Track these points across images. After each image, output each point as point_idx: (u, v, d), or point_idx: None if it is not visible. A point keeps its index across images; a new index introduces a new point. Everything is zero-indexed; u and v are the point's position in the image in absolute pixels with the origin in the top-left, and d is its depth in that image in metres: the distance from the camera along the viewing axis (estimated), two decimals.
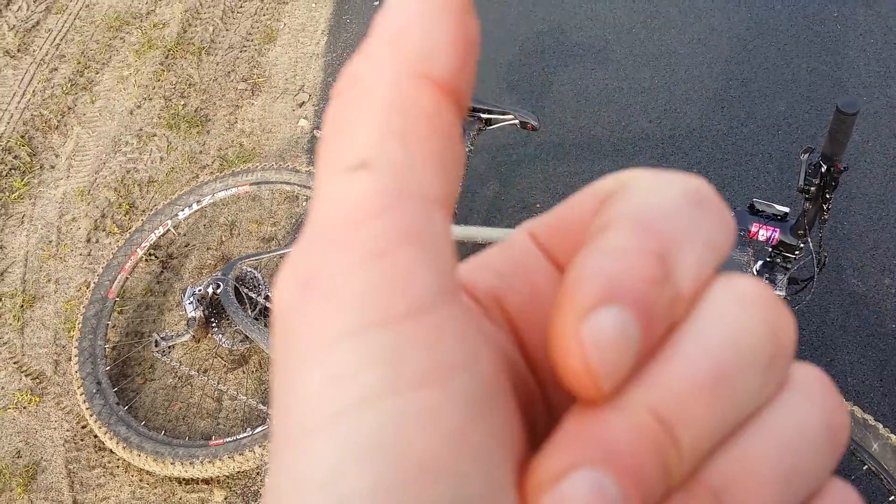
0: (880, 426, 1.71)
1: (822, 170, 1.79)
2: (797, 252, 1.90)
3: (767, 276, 1.90)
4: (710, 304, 0.18)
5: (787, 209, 1.92)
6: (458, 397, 0.15)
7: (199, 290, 2.37)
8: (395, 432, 0.14)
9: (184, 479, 2.27)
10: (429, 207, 0.16)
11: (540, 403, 0.20)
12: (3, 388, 2.53)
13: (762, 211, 1.93)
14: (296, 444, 0.15)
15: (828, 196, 1.81)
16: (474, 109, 2.34)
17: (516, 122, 2.35)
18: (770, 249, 1.94)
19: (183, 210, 2.55)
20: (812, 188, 1.81)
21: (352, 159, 0.16)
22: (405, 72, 0.17)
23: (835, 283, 2.52)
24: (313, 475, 0.14)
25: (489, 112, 2.35)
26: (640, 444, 0.16)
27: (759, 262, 1.94)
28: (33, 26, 3.83)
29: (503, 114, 2.35)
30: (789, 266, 1.92)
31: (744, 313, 0.17)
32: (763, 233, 1.91)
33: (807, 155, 1.82)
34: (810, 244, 1.87)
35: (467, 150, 2.31)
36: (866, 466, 1.70)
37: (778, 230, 1.90)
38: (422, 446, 0.14)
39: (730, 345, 0.17)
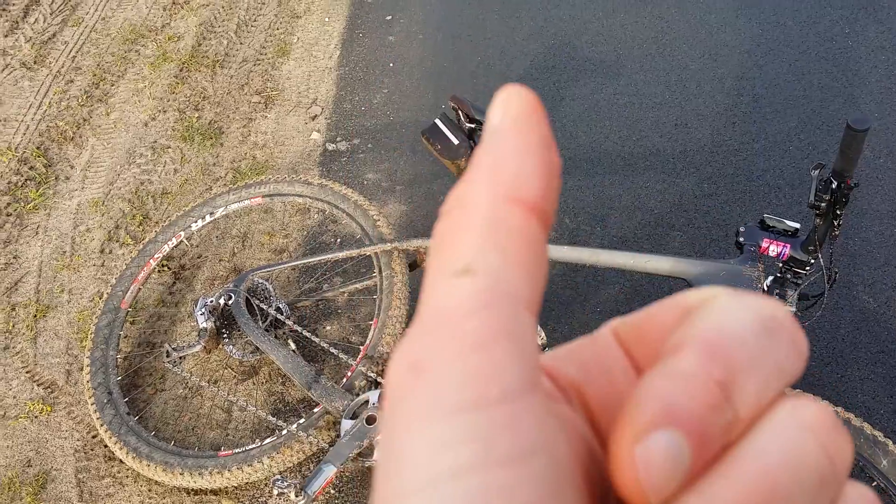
0: (890, 443, 1.70)
1: (833, 186, 1.79)
2: (808, 268, 1.90)
3: (778, 291, 1.90)
4: (770, 425, 0.20)
5: (797, 225, 1.92)
6: (536, 477, 0.17)
7: (211, 302, 2.38)
8: (481, 503, 0.17)
9: (193, 490, 2.28)
10: (519, 307, 0.19)
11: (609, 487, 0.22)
12: (15, 397, 2.55)
13: (773, 227, 1.93)
14: (396, 502, 0.17)
15: (838, 212, 1.81)
16: (482, 123, 2.35)
17: None
18: (781, 265, 1.93)
19: (196, 222, 2.57)
20: (823, 204, 1.80)
21: (457, 265, 0.20)
22: (500, 196, 0.20)
23: (846, 300, 2.51)
24: None
25: None
26: None
27: (770, 278, 1.94)
28: (50, 38, 3.88)
29: None
30: (800, 282, 1.92)
31: (802, 437, 0.19)
32: (774, 248, 1.91)
33: (817, 171, 1.82)
34: (821, 260, 1.86)
35: None
36: (875, 483, 1.69)
37: (789, 246, 1.90)
38: None
39: (785, 466, 0.19)
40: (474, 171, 0.21)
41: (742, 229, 1.95)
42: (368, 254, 2.30)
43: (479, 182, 0.21)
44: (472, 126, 2.37)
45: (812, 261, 1.88)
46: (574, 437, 0.21)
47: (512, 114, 0.21)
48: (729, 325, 0.20)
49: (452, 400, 0.17)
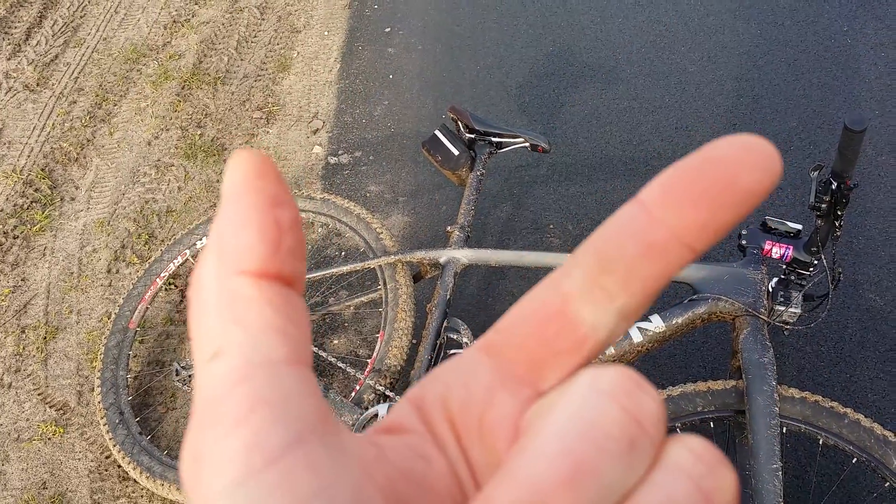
0: None
1: (833, 187, 1.80)
2: (811, 269, 1.90)
3: (782, 293, 1.90)
4: (566, 399, 0.20)
5: (799, 226, 1.93)
6: None
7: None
8: None
9: None
10: (276, 370, 0.20)
11: (475, 494, 0.22)
12: (28, 419, 2.57)
13: (775, 228, 1.94)
14: None
15: (839, 213, 1.82)
16: (485, 133, 2.37)
17: (527, 144, 2.37)
18: (784, 267, 1.94)
19: (201, 239, 2.58)
20: (823, 205, 1.81)
21: (209, 351, 0.20)
22: (227, 271, 0.21)
23: (852, 299, 2.51)
24: None
25: (499, 136, 2.37)
26: None
27: (774, 280, 1.94)
28: (52, 60, 3.91)
29: (513, 137, 2.37)
30: (804, 283, 1.92)
31: (600, 403, 0.19)
32: (776, 250, 1.91)
33: (816, 172, 1.83)
34: (824, 261, 1.87)
35: (479, 173, 2.33)
36: (888, 483, 1.69)
37: (791, 247, 1.90)
38: None
39: (585, 437, 0.18)
40: (205, 250, 0.21)
41: (744, 232, 1.96)
42: (373, 267, 2.31)
43: (208, 262, 0.21)
44: (472, 136, 2.38)
45: (815, 262, 1.89)
46: (368, 469, 0.20)
47: (234, 181, 0.21)
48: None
49: (224, 480, 0.18)
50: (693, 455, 0.19)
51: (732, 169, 0.19)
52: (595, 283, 0.21)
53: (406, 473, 0.21)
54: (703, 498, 0.19)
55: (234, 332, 0.20)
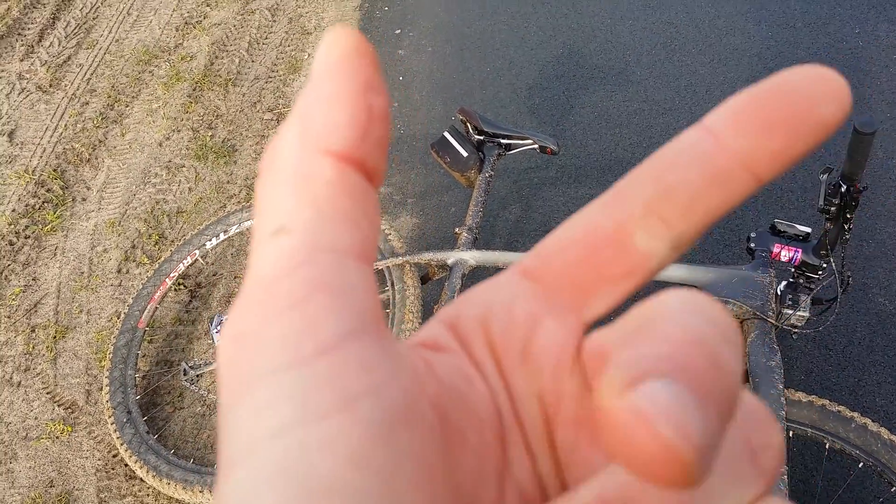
0: None
1: (842, 190, 1.79)
2: (820, 272, 1.89)
3: (791, 296, 1.89)
4: (657, 313, 0.18)
5: (809, 229, 1.92)
6: (361, 423, 0.16)
7: (226, 319, 2.40)
8: (301, 458, 0.16)
9: None
10: (341, 258, 0.19)
11: (515, 424, 0.21)
12: (36, 418, 2.58)
13: (784, 231, 1.93)
14: (223, 473, 0.17)
15: (848, 216, 1.81)
16: (494, 135, 2.37)
17: (535, 146, 2.37)
18: (793, 270, 1.93)
19: (211, 240, 2.59)
20: (832, 208, 1.80)
21: (273, 226, 0.19)
22: (310, 148, 0.19)
23: (861, 302, 2.49)
24: (233, 501, 0.16)
25: (508, 137, 2.37)
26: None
27: (783, 283, 1.93)
28: (65, 61, 3.94)
29: (522, 139, 2.37)
30: (813, 286, 1.91)
31: (697, 320, 0.17)
32: (785, 253, 1.90)
33: (826, 175, 1.82)
34: (833, 264, 1.86)
35: (488, 175, 2.33)
36: (894, 488, 1.68)
37: (800, 251, 1.89)
38: (324, 469, 0.16)
39: (697, 340, 0.16)
40: (287, 123, 0.20)
41: (753, 235, 1.95)
42: (380, 268, 2.31)
43: (290, 135, 0.20)
44: (481, 138, 2.38)
45: (824, 265, 1.87)
46: (416, 380, 0.19)
47: (330, 59, 0.20)
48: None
49: (270, 362, 0.17)
50: (744, 410, 0.19)
51: (809, 98, 0.19)
52: (653, 210, 0.20)
53: (451, 390, 0.20)
54: (749, 454, 0.18)
55: (306, 212, 0.19)
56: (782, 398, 1.70)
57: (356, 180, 0.20)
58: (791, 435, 1.72)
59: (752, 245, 1.92)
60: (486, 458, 0.20)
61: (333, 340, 0.17)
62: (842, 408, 1.74)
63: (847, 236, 1.84)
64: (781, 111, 0.19)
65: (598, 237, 0.20)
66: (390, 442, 0.17)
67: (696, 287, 1.90)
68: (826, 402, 1.74)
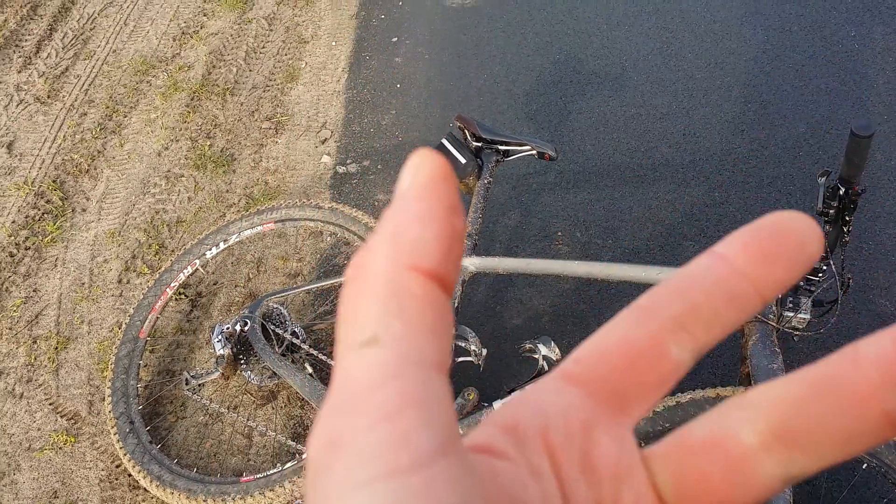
0: None
1: (841, 192, 1.79)
2: (820, 275, 1.90)
3: (791, 299, 1.90)
4: None
5: None
6: None
7: (227, 328, 2.41)
8: None
9: None
10: (427, 373, 0.20)
11: None
12: (39, 429, 2.58)
13: None
14: None
15: (847, 218, 1.81)
16: (492, 141, 2.38)
17: (534, 152, 2.38)
18: None
19: (210, 249, 2.60)
20: (831, 211, 1.81)
21: (363, 336, 0.20)
22: (399, 264, 0.21)
23: (862, 304, 2.50)
24: None
25: (507, 143, 2.38)
26: None
27: None
28: (62, 73, 3.94)
29: (520, 145, 2.38)
30: (813, 289, 1.92)
31: None
32: None
33: (824, 178, 1.82)
34: (833, 266, 1.86)
35: (486, 181, 2.34)
36: None
37: None
38: None
39: None
40: (376, 238, 0.21)
41: None
42: None
43: (380, 250, 0.21)
44: (479, 145, 2.38)
45: (824, 267, 1.88)
46: (497, 491, 0.20)
47: (419, 180, 0.21)
48: None
49: (366, 472, 0.18)
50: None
51: (802, 236, 0.22)
52: (682, 325, 0.23)
53: (512, 498, 0.21)
54: None
55: (396, 325, 0.20)
56: None
57: (438, 294, 0.21)
58: None
59: None
60: None
61: (428, 454, 0.18)
62: None
63: (846, 238, 1.85)
64: (781, 247, 0.22)
65: (636, 348, 0.23)
66: None
67: None
68: None
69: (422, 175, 0.22)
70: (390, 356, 0.19)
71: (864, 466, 1.72)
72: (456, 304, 2.11)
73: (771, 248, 0.23)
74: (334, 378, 0.20)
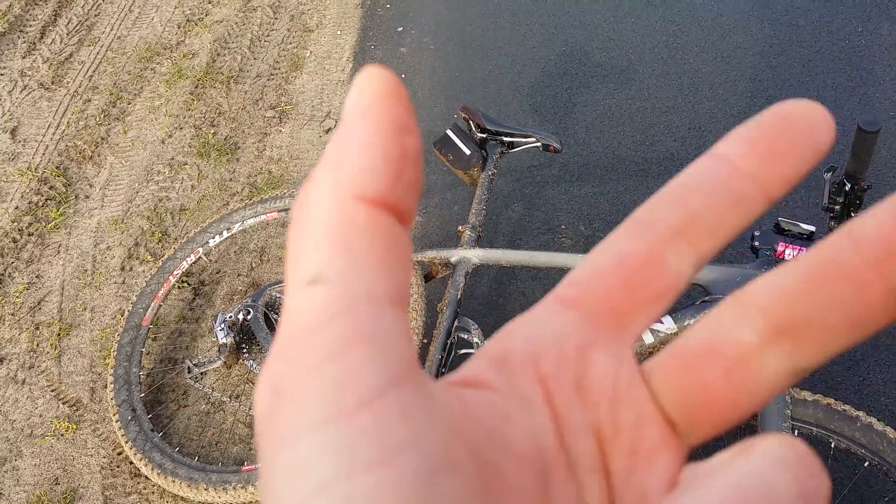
0: None
1: (846, 188, 1.79)
2: None
3: None
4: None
5: (812, 228, 1.92)
6: (404, 474, 0.16)
7: (230, 317, 2.41)
8: None
9: None
10: (377, 306, 0.19)
11: (560, 457, 0.21)
12: (41, 416, 2.59)
13: (788, 230, 1.93)
14: None
15: (852, 214, 1.81)
16: (497, 133, 2.37)
17: (538, 144, 2.37)
18: None
19: (214, 237, 2.60)
20: (836, 207, 1.80)
21: (308, 275, 0.19)
22: (342, 195, 0.19)
23: None
24: None
25: (511, 135, 2.37)
26: None
27: None
28: (67, 59, 3.93)
29: (525, 137, 2.37)
30: None
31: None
32: (789, 252, 1.90)
33: (830, 174, 1.82)
34: None
35: (491, 173, 2.33)
36: None
37: (804, 249, 1.90)
38: None
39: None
40: (319, 169, 0.20)
41: (757, 233, 1.95)
42: None
43: (322, 181, 0.20)
44: (484, 136, 2.38)
45: None
46: (455, 424, 0.19)
47: (364, 100, 0.20)
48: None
49: (310, 417, 0.17)
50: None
51: (809, 128, 0.21)
52: (681, 234, 0.21)
53: (489, 432, 0.20)
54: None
55: (340, 260, 0.19)
56: (787, 397, 1.71)
57: (389, 224, 0.20)
58: (796, 434, 1.72)
59: (756, 243, 1.93)
60: (525, 495, 0.20)
61: (374, 392, 0.17)
62: (847, 406, 1.74)
63: None
64: (788, 140, 0.21)
65: (632, 262, 0.21)
66: (432, 493, 0.17)
67: (699, 286, 1.90)
68: (831, 400, 1.75)
69: (366, 95, 0.20)
70: (335, 293, 0.18)
71: (865, 465, 1.72)
72: (459, 297, 2.11)
73: (777, 142, 0.21)
74: (280, 321, 0.19)
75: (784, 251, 1.90)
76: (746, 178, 0.21)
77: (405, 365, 0.18)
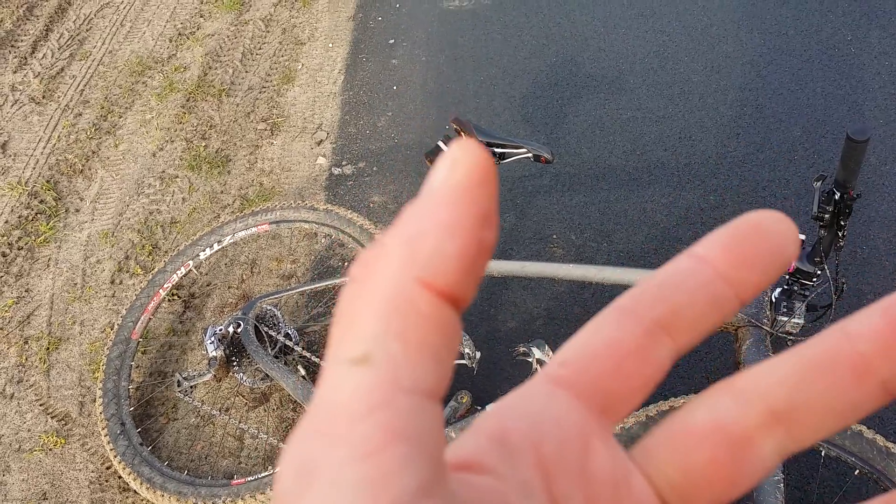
0: None
1: (836, 197, 1.79)
2: (815, 279, 1.89)
3: (785, 303, 1.89)
4: None
5: (803, 236, 1.92)
6: None
7: (220, 330, 2.39)
8: None
9: None
10: (419, 401, 0.18)
11: None
12: (29, 430, 2.57)
13: None
14: None
15: (842, 223, 1.81)
16: (488, 144, 2.37)
17: (530, 155, 2.37)
18: (787, 277, 1.93)
19: (204, 250, 2.59)
20: (826, 215, 1.80)
21: (356, 351, 0.18)
22: (411, 275, 0.18)
23: (855, 308, 2.46)
24: None
25: (503, 146, 2.37)
26: None
27: (777, 290, 1.93)
28: (58, 73, 3.93)
29: (517, 147, 2.37)
30: (807, 293, 1.91)
31: None
32: None
33: (819, 182, 1.82)
34: (827, 271, 1.86)
35: None
36: None
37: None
38: None
39: None
40: (391, 239, 0.19)
41: None
42: None
43: (393, 254, 0.19)
44: None
45: (819, 272, 1.87)
46: None
47: (454, 178, 0.19)
48: None
49: None
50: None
51: (779, 238, 0.22)
52: (665, 327, 0.22)
53: None
54: None
55: (394, 345, 0.18)
56: None
57: (448, 316, 0.19)
58: None
59: None
60: None
61: (410, 495, 0.17)
62: None
63: (841, 243, 1.84)
64: (760, 249, 0.22)
65: (622, 350, 0.22)
66: None
67: None
68: None
69: (458, 173, 0.19)
70: (381, 380, 0.18)
71: (856, 473, 1.71)
72: None
73: (750, 251, 0.22)
74: (317, 392, 0.19)
75: None
76: (724, 282, 0.22)
77: (437, 466, 0.18)
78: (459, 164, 0.19)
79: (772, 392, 0.21)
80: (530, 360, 2.01)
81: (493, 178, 0.19)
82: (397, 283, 0.18)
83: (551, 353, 2.22)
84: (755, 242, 0.22)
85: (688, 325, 0.22)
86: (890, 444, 1.69)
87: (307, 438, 0.18)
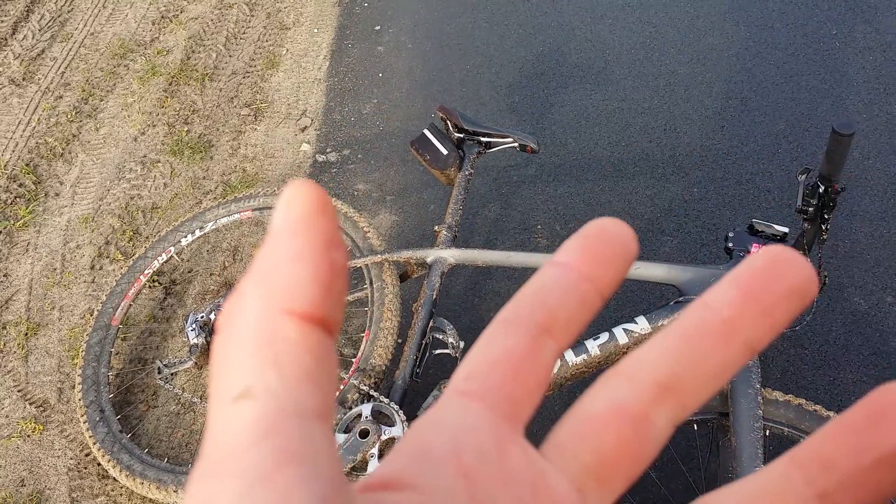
0: None
1: (820, 190, 1.79)
2: None
3: None
4: None
5: (786, 229, 1.92)
6: None
7: (202, 317, 2.37)
8: None
9: None
10: (306, 424, 0.18)
11: None
12: (7, 416, 2.54)
13: (762, 231, 1.93)
14: None
15: (826, 216, 1.81)
16: (474, 133, 2.36)
17: (516, 144, 2.36)
18: None
19: (186, 236, 2.56)
20: (810, 209, 1.81)
21: (236, 389, 0.19)
22: (271, 309, 0.19)
23: (837, 302, 2.51)
24: None
25: (489, 136, 2.36)
26: None
27: None
28: (38, 55, 3.88)
29: (503, 137, 2.36)
30: None
31: None
32: None
33: (804, 176, 1.82)
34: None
35: (468, 173, 2.32)
36: None
37: None
38: None
39: None
40: (247, 282, 0.20)
41: (731, 234, 1.95)
42: (359, 266, 2.29)
43: (252, 294, 0.20)
44: (461, 136, 2.37)
45: None
46: None
47: (293, 215, 0.20)
48: None
49: None
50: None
51: (623, 238, 0.24)
52: (547, 330, 0.24)
53: None
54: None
55: (270, 375, 0.19)
56: (759, 397, 1.71)
57: (318, 338, 0.20)
58: (768, 434, 1.72)
59: (730, 245, 1.93)
60: None
61: None
62: (818, 407, 1.75)
63: (824, 237, 1.85)
64: (610, 249, 0.24)
65: (517, 355, 0.23)
66: None
67: (673, 286, 1.90)
68: (802, 401, 1.75)
69: (295, 209, 0.20)
70: (265, 410, 0.18)
71: None
72: (434, 297, 2.09)
73: (602, 251, 0.24)
74: (206, 435, 0.19)
75: (757, 252, 1.90)
76: (587, 281, 0.24)
77: (334, 484, 0.18)
78: (296, 201, 0.20)
79: (657, 368, 0.22)
80: None
81: (331, 207, 0.21)
82: (261, 318, 0.19)
83: None
84: (604, 244, 0.24)
85: (564, 324, 0.24)
86: None
87: (203, 480, 0.18)
